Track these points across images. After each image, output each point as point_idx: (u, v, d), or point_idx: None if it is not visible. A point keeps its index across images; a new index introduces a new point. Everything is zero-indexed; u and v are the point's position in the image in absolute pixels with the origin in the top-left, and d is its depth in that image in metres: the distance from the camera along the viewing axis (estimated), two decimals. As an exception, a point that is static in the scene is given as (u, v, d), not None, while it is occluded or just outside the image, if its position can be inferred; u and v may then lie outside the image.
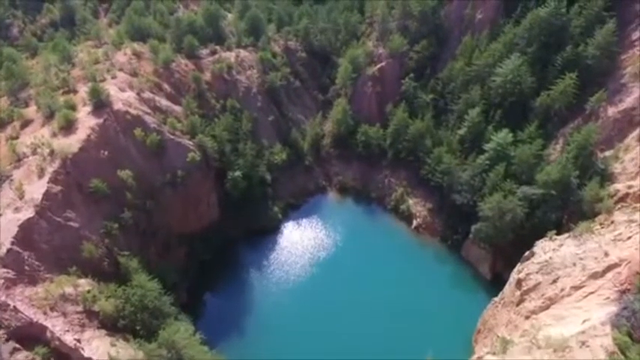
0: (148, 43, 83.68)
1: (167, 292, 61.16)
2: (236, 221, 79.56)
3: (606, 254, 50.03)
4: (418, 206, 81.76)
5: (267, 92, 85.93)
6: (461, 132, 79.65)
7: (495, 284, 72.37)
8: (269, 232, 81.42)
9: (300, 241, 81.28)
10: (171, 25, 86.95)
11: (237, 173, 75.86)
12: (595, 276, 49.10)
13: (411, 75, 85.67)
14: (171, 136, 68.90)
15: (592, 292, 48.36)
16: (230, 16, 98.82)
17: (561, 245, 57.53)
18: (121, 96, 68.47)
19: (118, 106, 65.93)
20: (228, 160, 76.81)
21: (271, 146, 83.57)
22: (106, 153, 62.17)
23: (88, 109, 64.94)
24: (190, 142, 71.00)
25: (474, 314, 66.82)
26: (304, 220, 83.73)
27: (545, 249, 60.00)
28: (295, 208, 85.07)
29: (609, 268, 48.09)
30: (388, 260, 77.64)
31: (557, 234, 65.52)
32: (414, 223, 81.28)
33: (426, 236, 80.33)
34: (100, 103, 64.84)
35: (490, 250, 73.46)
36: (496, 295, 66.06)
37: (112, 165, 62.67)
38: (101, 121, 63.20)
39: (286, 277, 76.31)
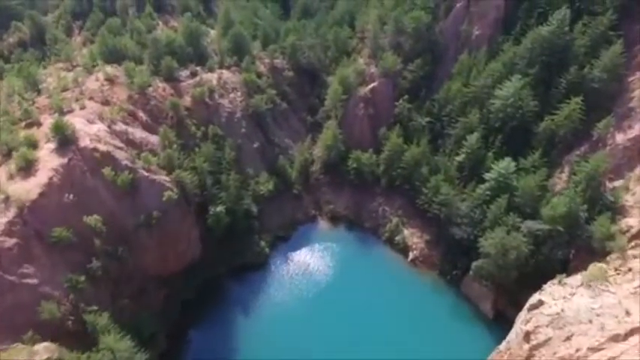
0: (123, 65, 77.41)
1: (143, 345, 55.27)
2: (220, 257, 73.41)
3: (628, 313, 44.60)
4: (414, 238, 76.02)
5: (251, 117, 79.74)
6: (459, 158, 73.96)
7: (498, 323, 67.03)
8: (256, 267, 75.25)
9: (289, 276, 75.17)
10: (149, 46, 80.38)
11: (220, 208, 69.66)
12: (616, 339, 43.56)
13: (406, 96, 79.81)
14: (146, 174, 62.44)
15: (614, 358, 42.91)
16: (213, 32, 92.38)
17: (573, 294, 51.95)
18: (90, 130, 61.93)
19: (85, 142, 59.45)
20: (210, 193, 70.57)
21: (257, 175, 77.43)
22: (70, 197, 55.75)
23: (52, 146, 58.42)
24: (167, 179, 64.55)
25: (474, 356, 61.59)
26: (293, 253, 77.59)
27: (555, 295, 54.37)
28: (284, 240, 78.94)
29: (633, 331, 42.59)
30: (384, 295, 71.84)
31: (566, 272, 60.84)
32: (411, 255, 75.55)
33: (424, 270, 74.59)
34: (64, 140, 58.36)
35: (492, 288, 67.90)
36: (499, 336, 60.68)
37: (78, 209, 56.32)
38: (65, 161, 56.76)
39: (275, 316, 70.30)
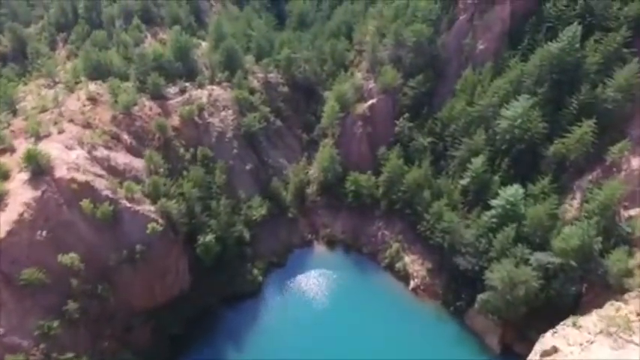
0: (108, 81, 72.12)
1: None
2: (211, 287, 68.36)
3: (655, 373, 40.03)
4: (416, 265, 71.11)
5: (244, 136, 74.50)
6: (463, 182, 68.91)
7: (505, 358, 62.82)
8: (249, 297, 70.23)
9: (283, 305, 70.23)
10: (135, 61, 75.07)
11: (209, 237, 64.54)
12: (642, 403, 39.07)
13: (406, 114, 74.66)
14: (128, 204, 57.37)
15: None
16: (204, 44, 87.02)
17: (592, 342, 47.31)
18: (68, 157, 56.84)
19: (61, 172, 54.39)
20: (199, 221, 65.51)
21: (249, 199, 72.31)
22: (44, 233, 50.83)
23: (24, 176, 53.45)
24: (152, 208, 59.49)
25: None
26: (288, 280, 72.55)
27: (570, 340, 49.65)
28: (278, 267, 73.89)
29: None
30: (383, 326, 66.87)
31: (578, 307, 56.44)
32: (412, 283, 70.60)
33: (426, 299, 69.62)
34: (38, 170, 53.34)
35: (499, 322, 63.14)
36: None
37: (52, 247, 51.44)
38: (39, 193, 51.76)
39: (270, 348, 65.28)
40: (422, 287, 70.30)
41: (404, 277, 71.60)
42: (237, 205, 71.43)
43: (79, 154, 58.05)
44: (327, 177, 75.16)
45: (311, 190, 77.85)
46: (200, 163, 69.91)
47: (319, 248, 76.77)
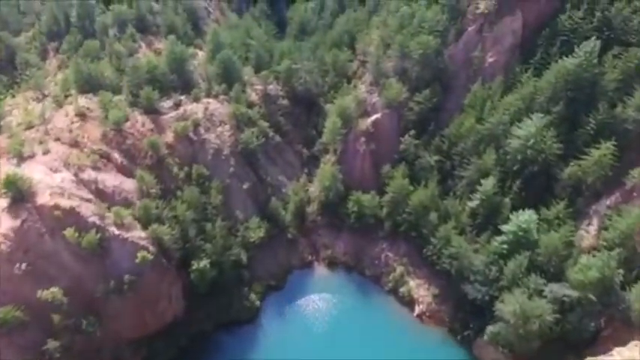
0: (99, 95, 67.74)
1: None
2: (206, 313, 64.23)
3: None
4: (421, 290, 66.73)
5: (241, 153, 69.89)
6: (472, 204, 64.42)
7: (516, 393, 58.64)
8: (245, 322, 65.86)
9: (282, 331, 65.86)
10: (128, 73, 70.67)
11: (204, 263, 60.24)
12: None
13: (412, 131, 70.00)
14: (116, 232, 53.04)
15: None
16: (201, 54, 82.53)
17: (615, 390, 43.21)
18: (52, 181, 52.52)
19: (44, 198, 50.08)
20: (193, 246, 61.19)
21: (247, 220, 67.83)
22: (23, 266, 46.69)
23: (3, 203, 49.12)
24: (142, 235, 55.15)
25: None
26: (287, 305, 68.11)
27: (590, 385, 45.68)
28: (276, 290, 69.47)
29: None
30: (386, 354, 62.33)
31: (596, 343, 52.19)
32: (417, 309, 66.22)
33: (431, 326, 65.23)
34: (19, 196, 49.10)
35: (510, 355, 58.73)
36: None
37: (32, 280, 47.31)
38: (18, 223, 47.47)
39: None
40: (427, 313, 65.89)
41: (408, 302, 67.14)
42: (234, 226, 66.97)
43: (64, 177, 53.68)
44: (329, 196, 70.69)
45: (311, 209, 73.30)
46: (195, 183, 65.39)
47: (320, 270, 72.30)
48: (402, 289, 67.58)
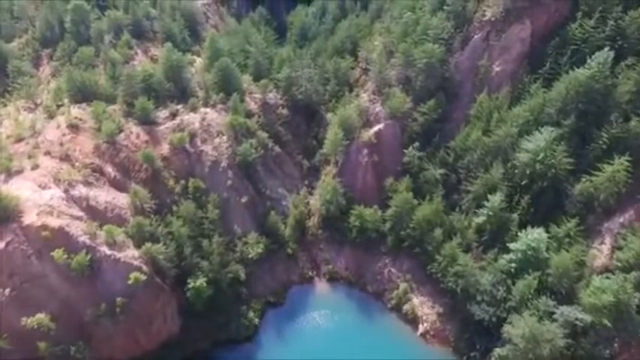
0: (92, 105, 64.93)
1: None
2: (202, 331, 61.28)
3: None
4: (425, 308, 63.91)
5: (239, 166, 66.93)
6: (478, 220, 61.61)
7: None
8: (244, 341, 62.92)
9: (281, 350, 62.99)
10: (122, 82, 67.79)
11: (200, 281, 57.53)
12: None
13: (416, 143, 66.99)
14: (108, 252, 50.33)
15: None
16: (198, 61, 79.52)
17: None
18: (40, 198, 49.80)
19: (30, 218, 47.40)
20: (190, 263, 58.47)
21: (245, 235, 64.93)
22: (7, 292, 43.90)
23: (-11, 224, 46.52)
24: (135, 254, 52.44)
25: None
26: (286, 322, 65.24)
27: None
28: (276, 307, 66.55)
29: None
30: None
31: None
32: (421, 328, 63.35)
33: (436, 346, 62.37)
34: (4, 216, 46.31)
35: (519, 379, 56.23)
36: None
37: (17, 306, 44.80)
38: (2, 245, 44.70)
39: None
40: (431, 332, 63.02)
41: (412, 320, 64.17)
42: (231, 241, 64.14)
43: (53, 194, 50.96)
44: (330, 210, 67.75)
45: (312, 222, 70.28)
46: (191, 197, 62.71)
47: (320, 285, 69.31)
48: (406, 307, 64.61)
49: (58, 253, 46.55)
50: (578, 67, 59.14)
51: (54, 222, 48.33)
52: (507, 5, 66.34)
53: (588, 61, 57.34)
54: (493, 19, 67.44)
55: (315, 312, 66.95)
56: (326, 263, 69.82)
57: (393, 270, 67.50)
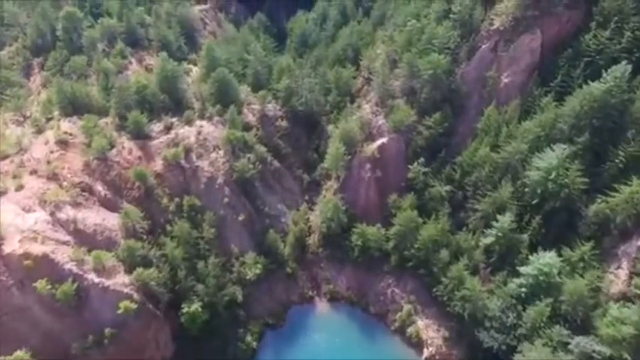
0: (83, 118, 61.34)
1: None
2: (198, 356, 57.53)
3: None
4: (430, 331, 60.42)
5: (236, 182, 63.37)
6: (486, 241, 57.98)
7: None
8: (241, 365, 60.28)
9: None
10: (115, 95, 64.16)
11: (195, 306, 54.12)
12: None
13: (421, 159, 63.40)
14: (96, 280, 46.84)
15: None
16: (195, 70, 75.81)
17: None
18: (23, 223, 46.27)
19: (11, 245, 43.91)
20: (184, 287, 55.04)
21: (242, 254, 61.43)
22: (-14, 328, 40.55)
23: (-33, 253, 43.06)
24: (126, 280, 48.91)
25: None
26: (285, 345, 61.55)
27: None
28: (274, 329, 62.96)
29: None
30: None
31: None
32: (426, 352, 59.82)
33: (442, 372, 59.55)
34: (-16, 244, 42.99)
35: (530, 410, 52.81)
36: None
37: (-3, 342, 41.13)
38: (-19, 277, 41.39)
39: None
40: (437, 357, 59.29)
41: (416, 343, 60.71)
42: (228, 260, 60.69)
43: (38, 218, 47.40)
44: (331, 227, 64.25)
45: (312, 240, 66.73)
46: (186, 215, 59.23)
47: (321, 306, 65.78)
48: (410, 330, 61.13)
49: (41, 284, 43.09)
50: (592, 81, 55.21)
51: (37, 249, 44.83)
52: (516, 14, 62.49)
53: (604, 74, 53.41)
54: (502, 28, 63.47)
55: (315, 333, 63.78)
56: (327, 282, 66.26)
57: (396, 290, 63.92)
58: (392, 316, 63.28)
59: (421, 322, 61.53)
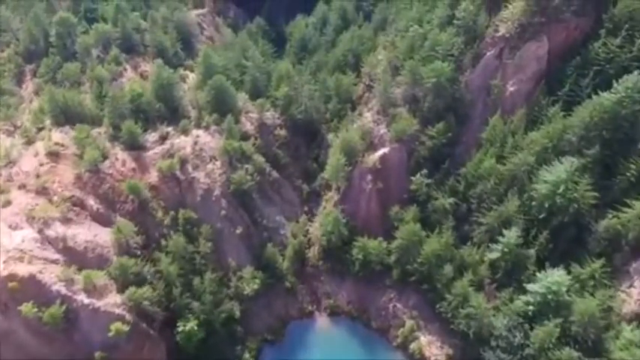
0: (75, 129, 58.91)
1: None
2: (193, 374, 56.09)
3: None
4: (434, 348, 58.01)
5: (234, 194, 60.85)
6: (492, 256, 55.51)
7: None
8: (238, 383, 57.89)
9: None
10: (108, 103, 61.67)
11: (191, 324, 51.76)
12: None
13: (424, 170, 61.00)
14: (86, 300, 44.44)
15: None
16: (191, 77, 73.23)
17: None
18: (9, 242, 43.98)
19: (-4, 267, 41.61)
20: (179, 304, 52.68)
21: (240, 269, 58.96)
22: (-32, 355, 38.25)
23: (-51, 275, 40.67)
24: (117, 300, 46.49)
25: None
26: (285, 362, 60.15)
27: None
28: (273, 345, 60.44)
29: None
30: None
31: None
32: (429, 370, 58.07)
33: (446, 390, 57.25)
34: (-33, 266, 40.65)
35: None
36: None
37: (-20, 371, 38.86)
38: (-38, 302, 39.06)
39: None
40: (441, 375, 57.80)
41: (420, 360, 59.24)
42: (225, 275, 58.29)
43: (25, 236, 45.09)
44: (331, 240, 61.83)
45: (312, 253, 64.22)
46: (181, 229, 56.77)
47: (321, 321, 63.23)
48: (413, 346, 58.60)
49: (26, 308, 40.72)
50: (602, 90, 52.77)
51: (24, 269, 42.47)
52: (522, 20, 59.93)
53: (615, 84, 51.11)
54: (507, 35, 60.81)
55: (315, 349, 61.47)
56: (327, 297, 63.71)
57: (398, 305, 61.44)
58: (394, 331, 60.82)
59: (424, 339, 59.15)
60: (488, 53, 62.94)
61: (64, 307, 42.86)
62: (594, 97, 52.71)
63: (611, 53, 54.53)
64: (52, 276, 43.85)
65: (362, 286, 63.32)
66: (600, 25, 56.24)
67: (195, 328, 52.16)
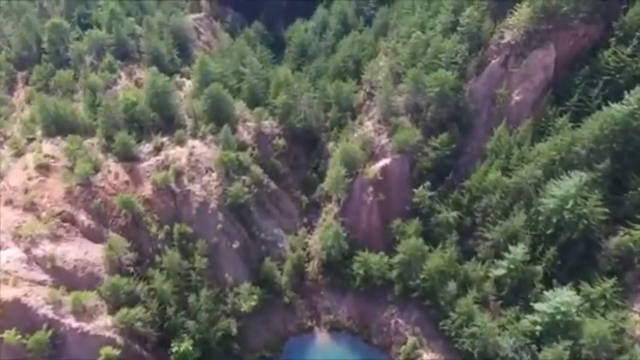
0: (67, 140, 56.50)
1: None
2: (189, 394, 53.78)
3: None
4: (437, 366, 56.15)
5: (230, 207, 58.45)
6: (497, 272, 53.16)
7: None
8: (235, 403, 55.69)
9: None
10: (102, 113, 59.24)
11: (186, 344, 49.44)
12: None
13: (427, 182, 58.64)
14: (74, 324, 42.36)
15: None
16: (188, 84, 70.75)
17: None
18: (-6, 264, 41.71)
19: (-21, 291, 39.28)
20: (174, 323, 50.32)
21: (237, 284, 56.61)
22: (-53, 386, 35.95)
23: None
24: (108, 322, 44.40)
25: None
26: (283, 380, 57.88)
27: None
28: (272, 361, 59.12)
29: None
30: None
31: None
32: (432, 389, 55.83)
33: (450, 410, 55.01)
34: (-52, 291, 38.29)
35: None
36: None
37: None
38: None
39: None
40: (445, 394, 55.53)
41: (423, 378, 56.94)
42: (222, 291, 55.88)
43: (11, 257, 42.85)
44: (331, 254, 59.52)
45: (311, 267, 61.84)
46: (176, 244, 54.35)
47: (321, 336, 60.92)
48: (415, 363, 57.14)
49: (9, 335, 38.46)
50: (612, 101, 50.37)
51: (8, 293, 40.21)
52: (529, 27, 57.35)
53: (626, 96, 48.70)
54: (513, 42, 58.29)
55: (315, 366, 59.57)
56: (327, 312, 61.39)
57: (400, 321, 59.13)
58: (396, 348, 58.47)
59: (427, 356, 56.78)
60: (493, 61, 60.36)
61: (50, 332, 40.70)
62: (604, 108, 50.23)
63: (621, 62, 51.98)
64: (38, 299, 41.61)
65: (363, 301, 60.96)
66: (610, 33, 53.74)
67: (190, 347, 49.85)
